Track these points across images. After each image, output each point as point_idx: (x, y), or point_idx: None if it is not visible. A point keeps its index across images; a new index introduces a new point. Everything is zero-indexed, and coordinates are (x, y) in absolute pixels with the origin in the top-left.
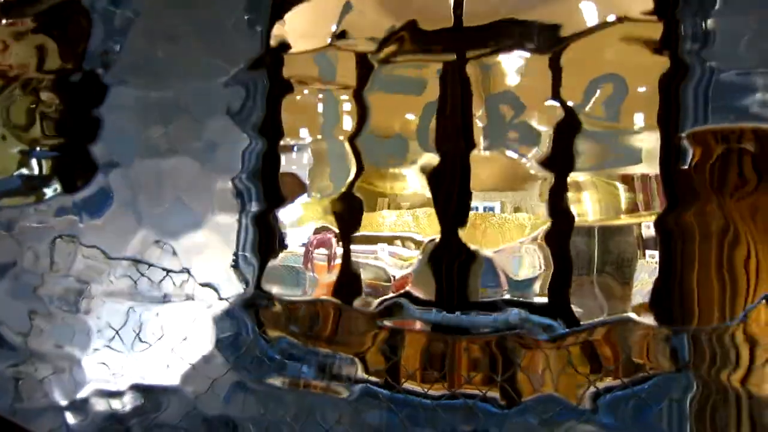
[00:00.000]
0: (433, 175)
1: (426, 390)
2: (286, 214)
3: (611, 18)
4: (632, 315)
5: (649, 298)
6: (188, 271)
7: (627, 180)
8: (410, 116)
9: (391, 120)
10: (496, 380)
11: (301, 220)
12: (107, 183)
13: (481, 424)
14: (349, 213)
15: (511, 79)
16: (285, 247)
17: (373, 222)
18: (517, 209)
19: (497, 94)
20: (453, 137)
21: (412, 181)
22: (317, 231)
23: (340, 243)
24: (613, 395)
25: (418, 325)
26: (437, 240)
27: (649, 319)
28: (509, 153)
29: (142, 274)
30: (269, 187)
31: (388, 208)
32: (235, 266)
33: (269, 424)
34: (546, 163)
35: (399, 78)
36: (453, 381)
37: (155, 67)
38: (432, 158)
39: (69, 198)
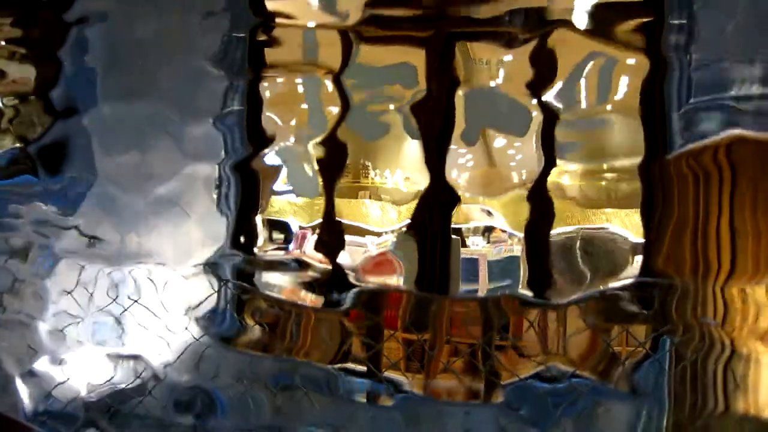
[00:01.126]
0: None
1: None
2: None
3: None
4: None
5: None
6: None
7: None
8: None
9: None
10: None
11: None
12: (67, 131)
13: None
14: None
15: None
16: (267, 199)
17: (356, 212)
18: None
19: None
20: (436, 122)
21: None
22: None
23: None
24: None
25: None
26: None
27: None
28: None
29: (95, 238)
30: (249, 134)
31: (370, 198)
32: (211, 222)
33: (245, 393)
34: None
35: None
36: None
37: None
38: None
39: (23, 150)
